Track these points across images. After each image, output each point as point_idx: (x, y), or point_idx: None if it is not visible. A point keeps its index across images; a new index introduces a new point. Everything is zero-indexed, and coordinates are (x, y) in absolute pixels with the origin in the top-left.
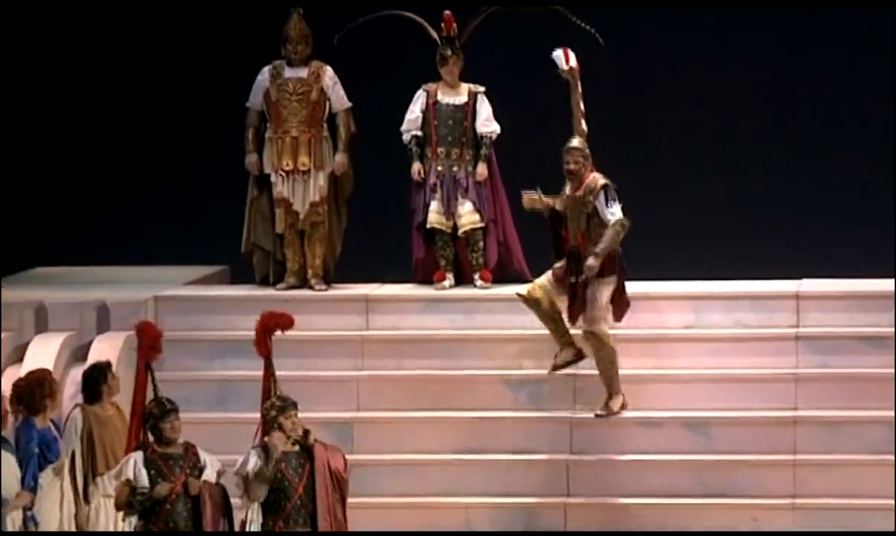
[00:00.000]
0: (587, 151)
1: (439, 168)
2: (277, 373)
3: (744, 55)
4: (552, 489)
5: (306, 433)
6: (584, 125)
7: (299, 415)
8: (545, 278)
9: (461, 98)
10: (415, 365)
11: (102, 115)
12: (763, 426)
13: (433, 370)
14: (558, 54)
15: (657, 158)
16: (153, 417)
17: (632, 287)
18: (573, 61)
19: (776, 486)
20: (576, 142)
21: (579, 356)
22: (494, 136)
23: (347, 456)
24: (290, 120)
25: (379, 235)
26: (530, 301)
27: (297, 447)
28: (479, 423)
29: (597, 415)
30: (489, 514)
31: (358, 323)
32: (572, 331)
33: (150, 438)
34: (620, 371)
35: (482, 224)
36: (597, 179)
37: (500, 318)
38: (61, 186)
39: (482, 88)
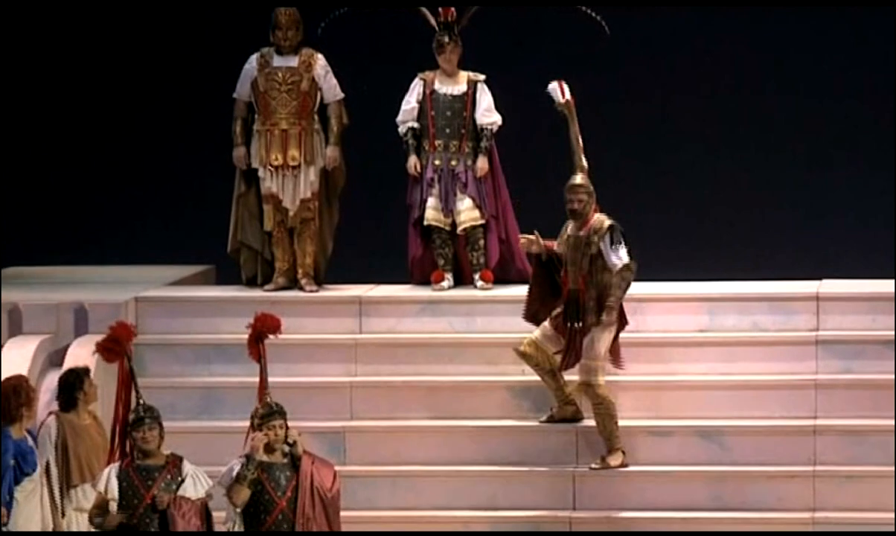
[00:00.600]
0: (591, 187)
1: (437, 162)
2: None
3: (761, 54)
4: (557, 502)
5: (293, 443)
6: (584, 160)
7: (288, 424)
8: (539, 332)
9: (460, 87)
10: (411, 371)
11: (82, 108)
12: (781, 435)
13: (431, 377)
14: (553, 87)
15: (671, 156)
16: (128, 426)
17: (643, 288)
18: (568, 94)
19: (795, 499)
20: (579, 179)
21: (577, 417)
22: (496, 127)
23: (339, 468)
24: (279, 111)
25: (373, 233)
26: (524, 357)
27: (285, 459)
28: (479, 433)
29: (592, 468)
30: (491, 529)
31: (351, 326)
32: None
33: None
34: (631, 377)
35: (483, 221)
36: (602, 219)
37: (501, 321)
38: (38, 181)
39: (482, 77)
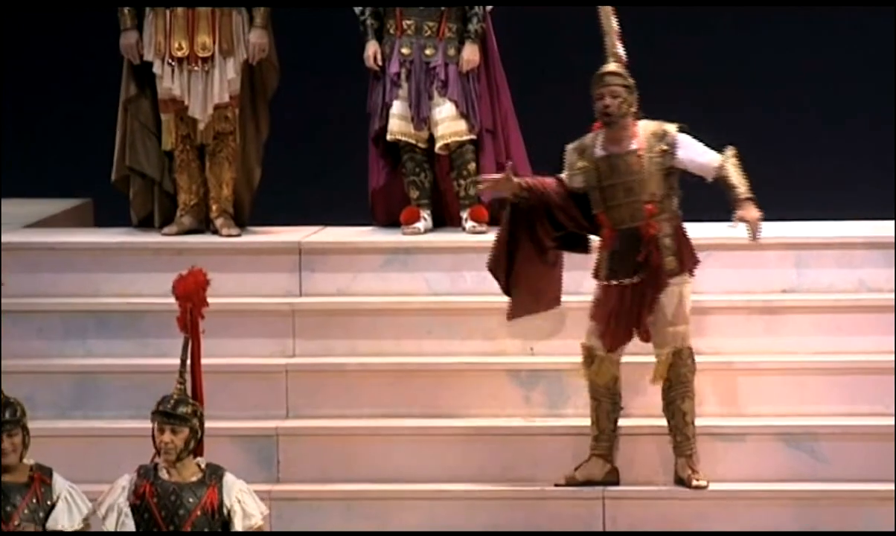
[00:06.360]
0: (630, 81)
1: (405, 50)
2: (163, 361)
3: None
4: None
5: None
6: (620, 49)
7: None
8: (594, 327)
9: None
10: (372, 350)
11: None
12: None
13: (400, 358)
14: None
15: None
16: None
17: (703, 232)
18: None
19: None
20: (612, 65)
21: (611, 478)
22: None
23: (270, 486)
24: None
25: (317, 153)
26: (589, 359)
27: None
28: (472, 436)
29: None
30: None
31: (287, 286)
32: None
33: None
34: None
35: (471, 136)
36: (661, 124)
37: None
38: None
39: None
